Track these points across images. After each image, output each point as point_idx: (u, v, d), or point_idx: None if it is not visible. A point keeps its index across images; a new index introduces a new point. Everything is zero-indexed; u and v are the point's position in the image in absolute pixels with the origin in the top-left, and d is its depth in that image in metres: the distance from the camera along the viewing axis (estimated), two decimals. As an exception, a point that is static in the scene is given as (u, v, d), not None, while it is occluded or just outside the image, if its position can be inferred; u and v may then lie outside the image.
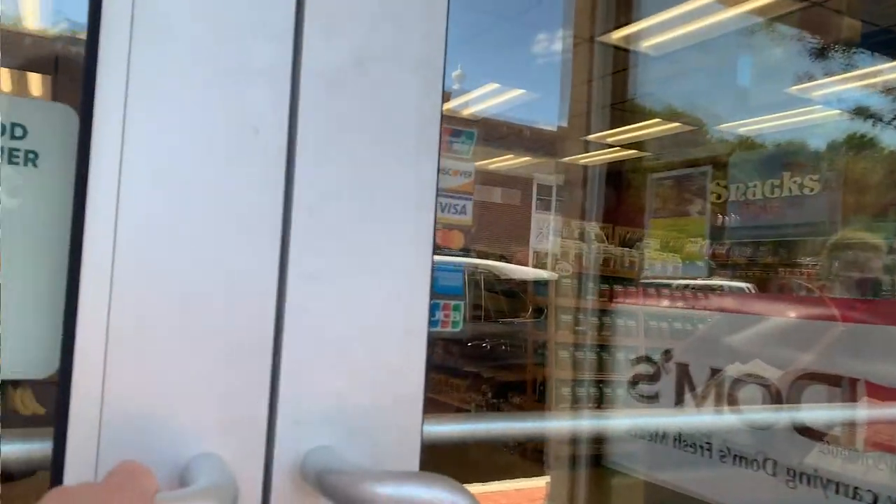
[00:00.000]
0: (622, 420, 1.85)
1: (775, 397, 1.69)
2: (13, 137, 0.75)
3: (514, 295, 6.69)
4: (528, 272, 6.70)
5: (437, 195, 0.48)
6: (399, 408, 0.48)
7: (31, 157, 0.75)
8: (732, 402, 1.82)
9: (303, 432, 0.45)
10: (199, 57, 0.49)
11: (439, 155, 0.49)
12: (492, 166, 9.82)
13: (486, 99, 7.57)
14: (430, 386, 0.52)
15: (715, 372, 1.88)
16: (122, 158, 0.48)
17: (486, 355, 6.10)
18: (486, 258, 7.39)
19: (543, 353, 4.14)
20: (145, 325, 0.47)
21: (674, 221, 4.23)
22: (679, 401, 1.99)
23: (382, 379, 0.48)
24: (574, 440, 2.74)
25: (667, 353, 2.09)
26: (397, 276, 0.48)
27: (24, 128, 0.76)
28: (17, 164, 0.75)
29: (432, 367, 6.13)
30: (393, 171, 0.48)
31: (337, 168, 0.47)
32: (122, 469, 0.40)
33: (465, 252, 7.85)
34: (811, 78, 4.16)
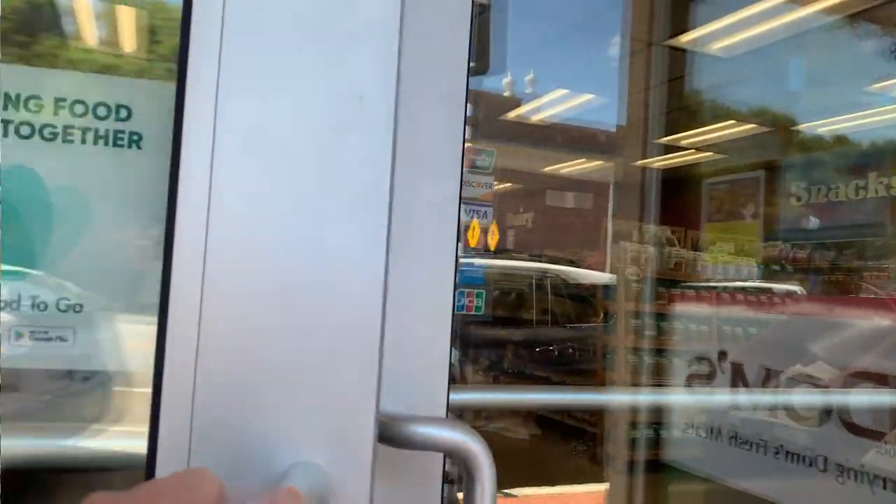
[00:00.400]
0: (648, 396, 1.91)
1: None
2: (118, 119, 0.73)
3: (584, 299, 6.70)
4: (597, 276, 6.70)
5: (462, 203, 0.60)
6: (429, 373, 0.61)
7: (135, 140, 0.73)
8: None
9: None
10: (298, 19, 0.48)
11: (462, 171, 0.61)
12: (564, 170, 9.83)
13: (556, 104, 7.63)
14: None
15: (775, 373, 1.90)
16: (216, 134, 0.47)
17: (554, 360, 6.14)
18: (556, 263, 7.42)
19: (613, 357, 4.18)
20: (239, 318, 0.47)
21: (746, 224, 4.18)
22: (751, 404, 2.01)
23: (416, 351, 0.61)
24: (633, 441, 2.79)
25: (733, 356, 2.11)
26: (428, 267, 0.61)
27: (128, 109, 0.73)
28: (121, 146, 0.73)
29: (501, 371, 6.22)
30: (425, 183, 0.60)
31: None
32: (186, 473, 0.39)
33: (538, 257, 7.90)
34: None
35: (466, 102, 0.62)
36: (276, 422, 0.49)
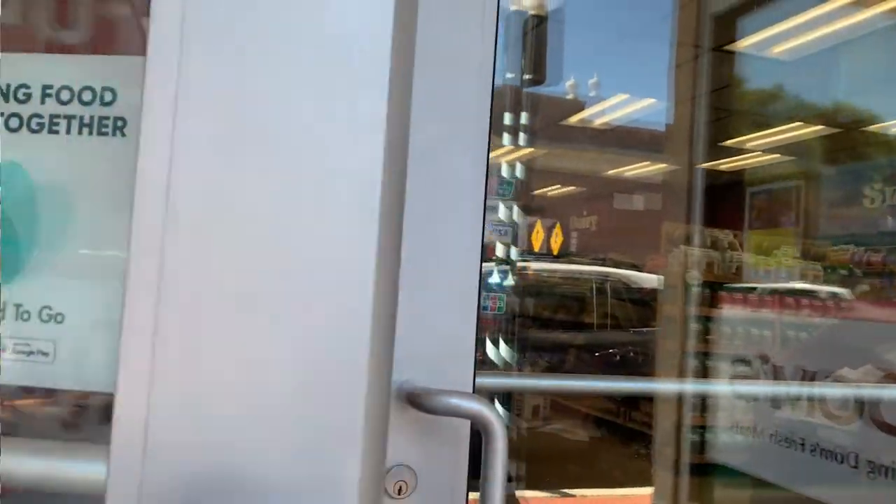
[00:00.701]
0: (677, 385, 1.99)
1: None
2: (102, 103, 0.66)
3: (646, 304, 6.70)
4: (658, 280, 6.69)
5: (485, 224, 0.76)
6: (456, 357, 0.76)
7: (120, 126, 0.66)
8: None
9: (396, 369, 0.75)
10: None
11: (485, 201, 0.77)
12: (628, 173, 9.81)
13: (618, 108, 7.67)
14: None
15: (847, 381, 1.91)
16: (177, 111, 0.46)
17: (616, 364, 6.17)
18: (618, 266, 7.43)
19: (674, 361, 4.22)
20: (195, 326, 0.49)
21: (811, 227, 4.15)
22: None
23: (445, 337, 0.77)
24: (694, 444, 2.84)
25: (796, 361, 2.14)
26: (456, 277, 0.76)
27: (113, 91, 0.66)
28: (105, 134, 0.66)
29: (567, 373, 6.29)
30: (453, 212, 0.76)
31: (425, 212, 0.76)
32: None
33: (601, 260, 7.92)
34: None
35: (489, 151, 0.77)
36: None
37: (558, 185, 10.47)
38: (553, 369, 6.20)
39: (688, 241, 4.25)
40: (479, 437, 0.75)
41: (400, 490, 0.74)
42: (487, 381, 0.82)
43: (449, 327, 0.76)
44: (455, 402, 0.69)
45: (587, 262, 7.71)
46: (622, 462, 5.16)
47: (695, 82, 4.43)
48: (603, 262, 7.90)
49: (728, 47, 4.31)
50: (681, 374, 3.81)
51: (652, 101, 6.84)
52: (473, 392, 0.76)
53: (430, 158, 0.77)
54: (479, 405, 0.68)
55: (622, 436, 5.33)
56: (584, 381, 1.18)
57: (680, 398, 3.08)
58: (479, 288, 0.77)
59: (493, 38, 0.81)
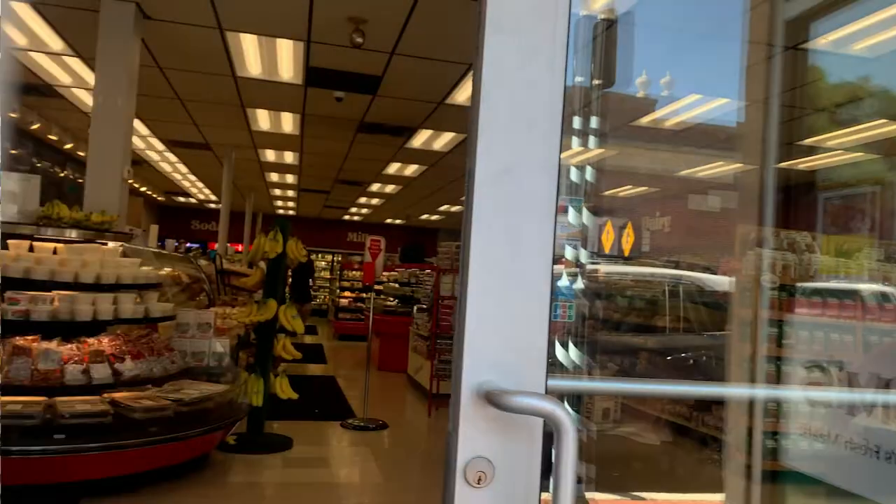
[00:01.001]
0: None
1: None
2: None
3: (720, 307, 6.59)
4: (731, 283, 6.56)
5: (556, 240, 0.83)
6: (531, 361, 0.84)
7: None
8: None
9: (477, 372, 0.83)
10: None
11: (556, 216, 0.84)
12: (701, 174, 9.61)
13: (692, 108, 7.54)
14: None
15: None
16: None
17: (688, 368, 6.10)
18: (691, 269, 7.31)
19: (749, 366, 4.14)
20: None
21: (891, 230, 4.02)
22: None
23: (522, 345, 0.84)
24: (767, 450, 2.82)
25: (877, 368, 2.12)
26: (529, 286, 0.84)
27: None
28: None
29: (639, 377, 6.26)
30: (528, 227, 0.84)
31: (501, 228, 0.84)
32: None
33: (673, 263, 7.80)
34: None
35: (559, 169, 0.85)
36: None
37: (629, 186, 10.35)
38: (624, 373, 6.17)
39: (762, 242, 4.19)
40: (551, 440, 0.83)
41: (479, 480, 0.82)
42: (559, 383, 0.89)
43: (523, 334, 0.84)
44: (529, 401, 0.77)
45: (659, 265, 7.62)
46: (693, 467, 5.11)
47: (770, 80, 4.35)
48: (676, 265, 7.80)
49: (805, 46, 4.21)
50: (753, 379, 3.76)
51: (726, 100, 6.70)
52: (546, 393, 0.83)
53: (502, 167, 0.84)
54: (551, 405, 0.76)
55: (694, 440, 5.27)
56: (655, 384, 1.20)
57: (752, 403, 3.06)
58: (551, 294, 0.85)
59: (564, 51, 0.88)
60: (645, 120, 7.87)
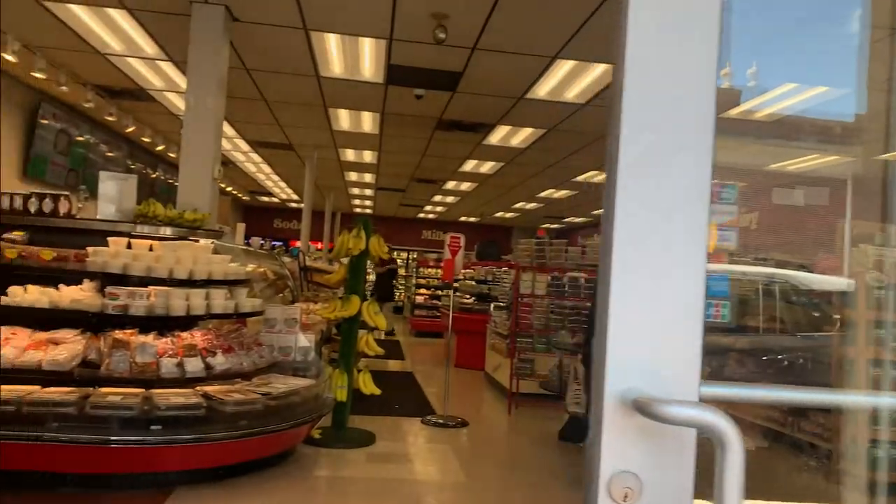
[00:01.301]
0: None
1: None
2: None
3: (817, 307, 6.24)
4: (831, 282, 6.20)
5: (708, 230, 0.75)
6: (683, 365, 0.76)
7: None
8: None
9: (622, 377, 0.76)
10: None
11: (710, 204, 0.76)
12: (791, 167, 9.15)
13: (784, 98, 7.17)
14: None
15: None
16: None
17: (783, 370, 5.80)
18: (785, 267, 6.96)
19: (851, 370, 3.90)
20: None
21: None
22: None
23: (671, 348, 0.76)
24: (871, 458, 2.62)
25: None
26: (680, 284, 0.76)
27: None
28: None
29: (723, 380, 6.00)
30: (678, 217, 0.76)
31: (648, 217, 0.77)
32: None
33: (763, 260, 7.45)
34: None
35: (713, 151, 0.76)
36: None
37: (714, 181, 9.97)
38: (712, 374, 5.91)
39: (866, 239, 3.92)
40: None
41: (626, 496, 0.75)
42: (715, 390, 0.80)
43: (673, 336, 0.76)
44: (687, 411, 0.69)
45: (749, 262, 7.28)
46: (790, 474, 4.85)
47: (875, 69, 4.06)
48: (765, 262, 7.45)
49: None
50: (857, 383, 3.53)
51: (825, 89, 6.33)
52: (699, 401, 0.75)
53: (649, 150, 0.77)
54: (714, 415, 0.68)
55: (789, 446, 5.02)
56: (831, 394, 1.10)
57: (874, 410, 2.85)
58: (704, 295, 0.77)
59: (717, 37, 0.80)
60: (734, 112, 7.53)
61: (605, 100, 7.69)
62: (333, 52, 6.78)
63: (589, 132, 9.25)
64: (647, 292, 0.77)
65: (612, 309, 0.76)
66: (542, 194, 15.92)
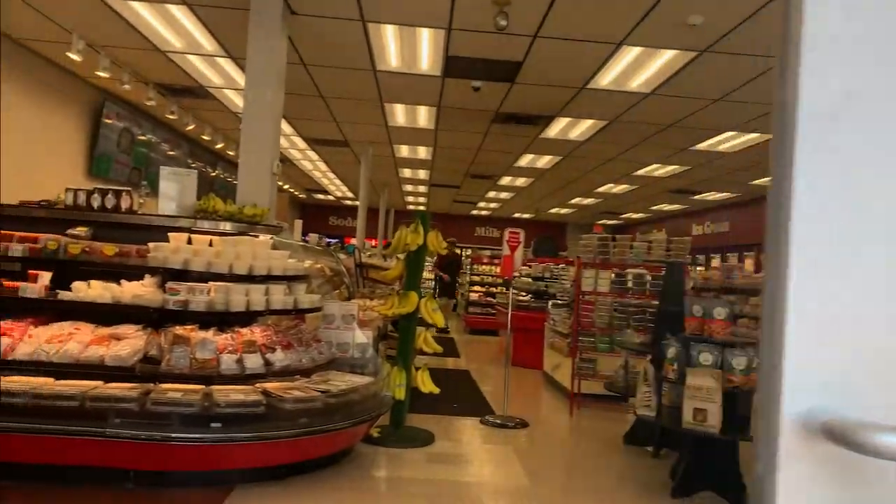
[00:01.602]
0: None
1: None
2: None
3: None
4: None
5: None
6: (885, 381, 0.58)
7: None
8: None
9: (804, 396, 0.59)
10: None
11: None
12: None
13: None
14: None
15: None
16: None
17: None
18: None
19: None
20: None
21: None
22: None
23: (868, 357, 0.59)
24: None
25: None
26: (879, 274, 0.58)
27: None
28: None
29: None
30: (876, 192, 0.58)
31: (835, 193, 0.59)
32: None
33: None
34: None
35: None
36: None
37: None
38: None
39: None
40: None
41: (812, 545, 0.58)
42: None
43: (879, 345, 0.58)
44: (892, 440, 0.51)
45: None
46: None
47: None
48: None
49: None
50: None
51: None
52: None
53: (838, 103, 0.60)
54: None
55: None
56: None
57: None
58: (912, 290, 0.59)
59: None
60: None
61: (673, 88, 7.38)
62: (391, 44, 6.68)
63: (654, 122, 8.93)
64: (833, 288, 0.59)
65: (789, 310, 0.59)
66: (601, 189, 15.56)
